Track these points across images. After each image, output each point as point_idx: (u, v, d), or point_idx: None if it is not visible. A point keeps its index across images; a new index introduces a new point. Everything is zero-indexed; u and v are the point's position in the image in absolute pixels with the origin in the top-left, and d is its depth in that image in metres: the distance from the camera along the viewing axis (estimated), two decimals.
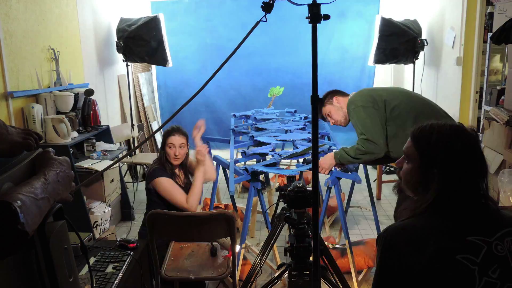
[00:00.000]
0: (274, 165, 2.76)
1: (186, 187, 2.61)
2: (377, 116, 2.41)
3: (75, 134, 3.21)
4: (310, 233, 1.93)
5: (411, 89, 4.85)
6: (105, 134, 3.70)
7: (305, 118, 4.16)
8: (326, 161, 2.58)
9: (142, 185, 4.73)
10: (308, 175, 3.92)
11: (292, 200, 1.89)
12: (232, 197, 3.10)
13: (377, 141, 2.38)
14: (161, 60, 4.62)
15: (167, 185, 2.52)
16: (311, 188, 1.87)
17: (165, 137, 2.63)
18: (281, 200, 1.98)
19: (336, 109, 2.68)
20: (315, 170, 1.50)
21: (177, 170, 2.66)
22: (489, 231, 1.00)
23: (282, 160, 2.97)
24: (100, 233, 3.18)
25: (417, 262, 0.97)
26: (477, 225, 1.01)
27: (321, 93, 1.39)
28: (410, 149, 1.11)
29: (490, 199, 1.07)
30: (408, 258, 0.98)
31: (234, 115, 4.35)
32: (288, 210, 2.02)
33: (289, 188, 1.92)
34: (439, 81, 4.61)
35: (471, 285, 0.95)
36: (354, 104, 2.50)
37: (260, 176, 2.72)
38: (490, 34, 3.26)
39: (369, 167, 4.42)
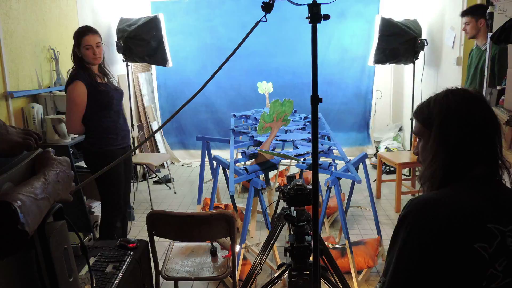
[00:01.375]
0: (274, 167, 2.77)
1: (107, 87, 2.63)
2: None
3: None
4: (309, 230, 1.94)
5: (411, 89, 4.86)
6: None
7: (305, 118, 4.15)
8: None
9: (142, 185, 4.74)
10: (308, 175, 3.92)
11: (291, 198, 1.92)
12: (232, 197, 3.10)
13: None
14: (161, 60, 4.62)
15: (79, 97, 2.51)
16: (310, 187, 1.89)
17: (79, 39, 2.54)
18: (281, 197, 2.00)
19: (477, 28, 3.23)
20: (315, 170, 1.50)
21: (97, 72, 2.65)
22: (506, 218, 0.96)
23: (282, 161, 2.97)
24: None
25: (439, 241, 0.92)
26: (497, 207, 0.97)
27: (320, 93, 1.39)
28: (416, 126, 1.12)
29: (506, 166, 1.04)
30: (435, 236, 0.93)
31: (234, 115, 4.35)
32: (288, 209, 2.03)
33: (288, 187, 1.95)
34: (439, 81, 4.61)
35: (481, 275, 0.91)
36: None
37: (260, 176, 2.73)
38: (490, 34, 3.26)
39: (369, 167, 4.41)
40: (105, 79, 2.68)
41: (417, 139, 1.14)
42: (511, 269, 0.92)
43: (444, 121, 1.03)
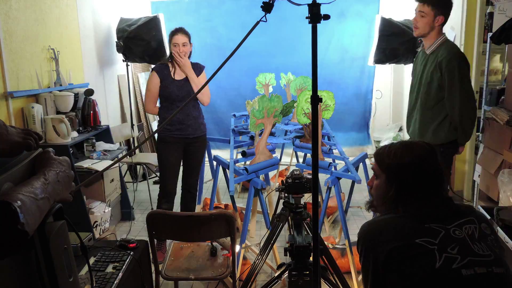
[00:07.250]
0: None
1: (181, 83, 2.98)
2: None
3: (75, 134, 3.21)
4: (307, 217, 2.05)
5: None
6: (105, 134, 3.70)
7: None
8: None
9: (142, 185, 4.74)
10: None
11: (290, 186, 2.03)
12: (232, 197, 3.10)
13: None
14: (161, 60, 4.61)
15: (151, 84, 2.96)
16: (308, 176, 2.02)
17: (170, 37, 2.96)
18: (280, 197, 2.05)
19: (432, 25, 2.51)
20: (315, 170, 1.50)
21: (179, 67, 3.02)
22: (448, 221, 1.21)
23: (282, 161, 2.97)
24: (100, 233, 3.18)
25: (385, 248, 1.17)
26: (437, 217, 1.22)
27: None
28: (375, 167, 1.37)
29: (450, 200, 1.28)
30: (380, 247, 1.18)
31: (234, 115, 4.35)
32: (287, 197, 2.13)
33: (287, 176, 2.06)
34: None
35: (432, 261, 1.13)
36: (461, 59, 2.51)
37: (260, 176, 2.73)
38: (490, 34, 3.26)
39: (368, 167, 4.41)
40: (184, 77, 3.02)
41: (374, 175, 1.40)
42: (466, 250, 1.15)
43: (399, 173, 1.29)
